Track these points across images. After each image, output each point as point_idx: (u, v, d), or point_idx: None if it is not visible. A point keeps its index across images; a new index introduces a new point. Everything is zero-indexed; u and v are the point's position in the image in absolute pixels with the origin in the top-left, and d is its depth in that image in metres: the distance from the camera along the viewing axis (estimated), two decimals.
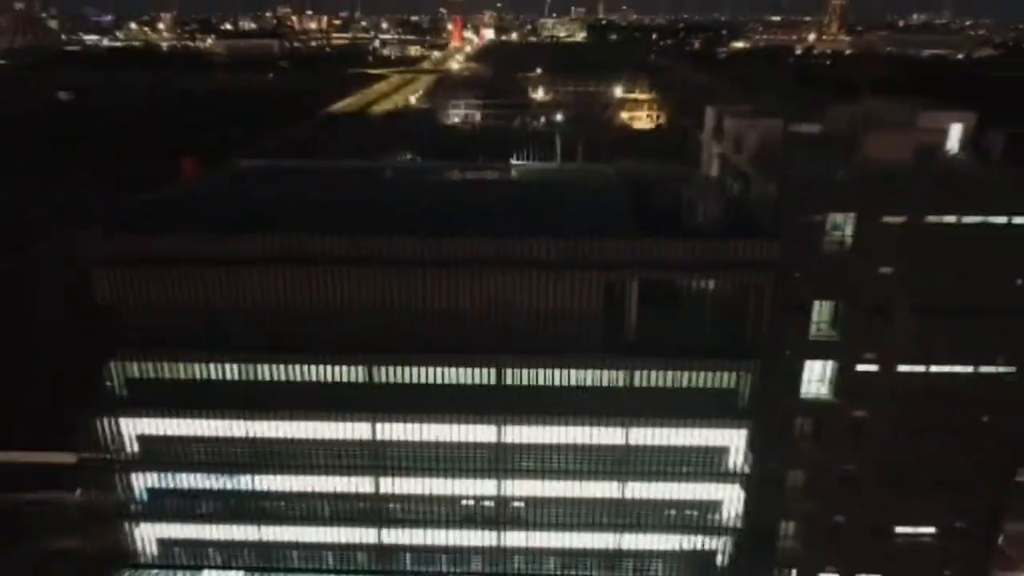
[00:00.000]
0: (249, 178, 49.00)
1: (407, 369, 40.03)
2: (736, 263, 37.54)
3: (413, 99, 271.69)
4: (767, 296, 38.29)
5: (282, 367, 40.06)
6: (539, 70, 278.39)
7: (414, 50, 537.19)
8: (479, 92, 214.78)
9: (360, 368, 40.01)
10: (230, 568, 44.04)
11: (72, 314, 39.37)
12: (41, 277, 39.06)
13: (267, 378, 40.39)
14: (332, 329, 38.94)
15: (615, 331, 39.17)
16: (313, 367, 40.04)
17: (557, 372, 39.86)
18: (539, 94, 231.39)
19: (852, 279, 38.75)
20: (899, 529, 44.27)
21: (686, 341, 39.13)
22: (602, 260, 37.36)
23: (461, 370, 39.83)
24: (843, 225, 38.73)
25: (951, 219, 37.78)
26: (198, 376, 40.46)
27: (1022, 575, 46.33)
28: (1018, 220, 37.45)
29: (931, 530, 44.20)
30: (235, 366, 40.15)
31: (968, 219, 37.75)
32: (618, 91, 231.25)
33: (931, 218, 37.80)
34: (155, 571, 43.88)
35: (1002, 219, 37.59)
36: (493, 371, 39.83)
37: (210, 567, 44.11)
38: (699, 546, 43.66)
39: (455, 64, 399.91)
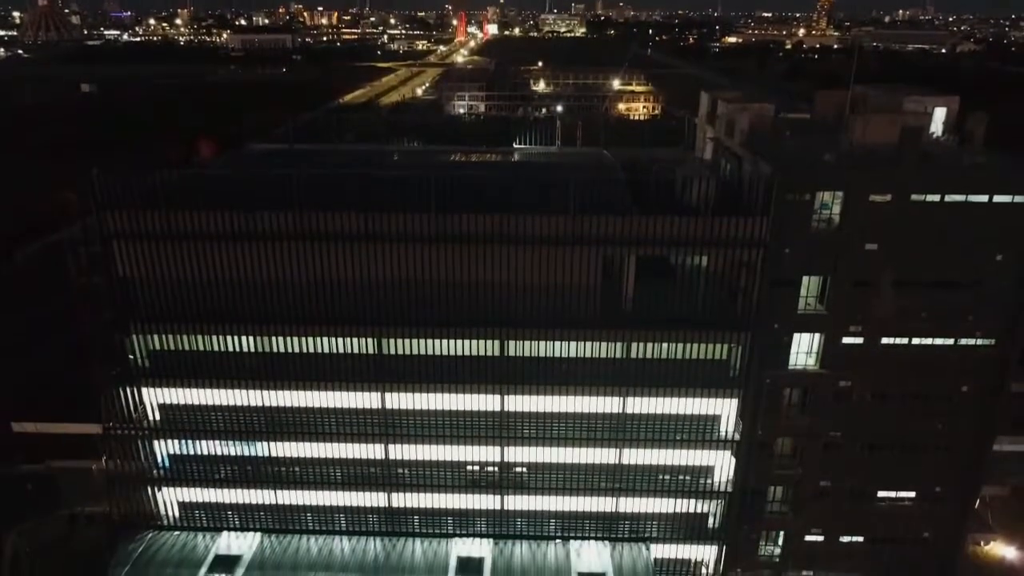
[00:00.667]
0: (262, 159, 48.72)
1: (414, 341, 39.93)
2: (728, 240, 37.34)
3: (420, 91, 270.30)
4: (757, 271, 38.13)
5: (296, 339, 39.96)
6: (540, 63, 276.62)
7: (421, 44, 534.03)
8: (483, 84, 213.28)
9: (370, 340, 39.93)
10: (247, 530, 44.18)
11: (96, 289, 39.18)
12: (68, 253, 38.82)
13: (282, 350, 40.32)
14: (343, 302, 38.84)
15: (612, 304, 39.05)
16: (325, 339, 39.94)
17: (557, 343, 39.74)
18: (540, 86, 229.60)
19: (839, 255, 38.57)
20: (881, 493, 44.34)
21: (680, 314, 39.00)
22: (600, 236, 37.15)
23: (465, 342, 39.73)
24: (831, 204, 38.53)
25: (935, 198, 37.53)
26: (216, 348, 40.39)
27: (996, 536, 46.36)
28: (999, 198, 37.20)
29: (911, 494, 44.28)
30: (251, 338, 40.08)
31: (951, 197, 37.50)
32: (616, 83, 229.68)
33: (916, 197, 37.56)
34: (176, 532, 44.03)
35: (983, 197, 37.34)
36: (496, 343, 39.74)
37: (228, 528, 44.24)
38: (692, 509, 43.76)
39: (460, 58, 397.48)
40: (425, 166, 46.86)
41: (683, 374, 39.90)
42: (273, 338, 40.07)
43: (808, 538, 45.30)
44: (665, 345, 39.63)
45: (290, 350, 40.30)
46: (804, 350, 41.27)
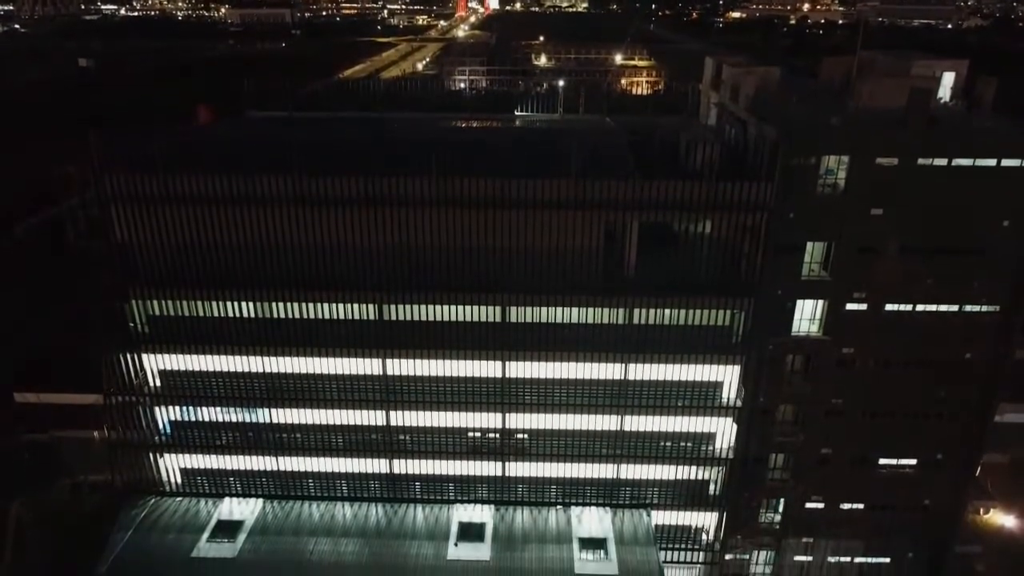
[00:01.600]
0: (261, 125, 48.16)
1: (415, 306, 39.69)
2: (732, 204, 36.92)
3: (420, 66, 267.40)
4: (761, 236, 37.74)
5: (296, 304, 39.73)
6: (541, 38, 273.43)
7: (421, 20, 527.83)
8: (484, 58, 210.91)
9: (370, 305, 39.68)
10: (249, 496, 44.27)
11: (95, 254, 38.85)
12: (67, 219, 38.55)
13: (282, 315, 40.11)
14: (343, 267, 38.54)
15: (615, 269, 38.74)
16: (326, 304, 39.70)
17: (559, 309, 39.49)
18: (542, 60, 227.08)
19: (844, 220, 38.17)
20: (882, 460, 44.33)
21: (683, 279, 38.69)
22: (602, 200, 36.73)
23: (467, 307, 39.48)
24: (836, 169, 38.08)
25: (942, 162, 37.04)
26: (216, 313, 40.17)
27: (996, 504, 46.42)
28: (1007, 162, 36.70)
29: (912, 462, 44.26)
30: (251, 303, 39.84)
31: (959, 162, 37.01)
32: (618, 58, 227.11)
33: (923, 161, 37.08)
34: (179, 498, 44.14)
35: (991, 161, 36.85)
36: (497, 308, 39.48)
37: (230, 495, 44.34)
38: (693, 476, 43.78)
39: (460, 32, 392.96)
40: (426, 132, 46.30)
41: (685, 340, 39.67)
42: (273, 303, 39.84)
43: (808, 505, 45.39)
44: (667, 311, 39.36)
45: (290, 315, 40.09)
46: (807, 317, 41.01)
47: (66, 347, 54.35)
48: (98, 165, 36.97)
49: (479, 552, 40.16)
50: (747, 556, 47.26)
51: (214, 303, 39.95)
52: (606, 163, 37.99)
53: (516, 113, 54.77)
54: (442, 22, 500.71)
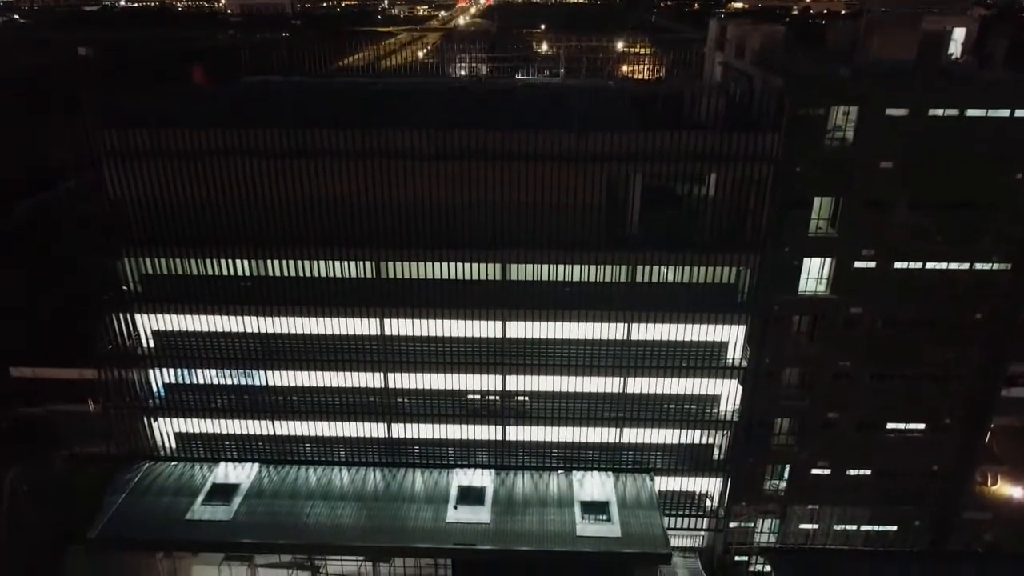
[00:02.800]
0: (256, 86, 47.17)
1: (414, 264, 38.82)
2: (737, 155, 35.96)
3: (420, 55, 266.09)
4: (767, 191, 36.80)
5: (292, 262, 38.86)
6: (543, 27, 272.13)
7: (422, 10, 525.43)
8: (484, 47, 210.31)
9: (368, 263, 38.80)
10: (245, 461, 43.47)
11: (87, 210, 37.99)
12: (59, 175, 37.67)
13: (278, 273, 39.25)
14: (340, 223, 37.65)
15: (617, 225, 37.84)
16: (322, 262, 38.82)
17: (560, 267, 38.61)
18: (543, 48, 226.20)
19: (852, 174, 37.24)
20: (890, 425, 43.47)
21: (687, 236, 37.79)
22: (605, 152, 35.81)
23: (466, 265, 38.60)
24: (844, 125, 37.18)
25: (954, 112, 36.08)
26: (211, 271, 39.32)
27: (1005, 468, 45.52)
28: (1021, 113, 35.73)
29: (920, 426, 43.40)
30: (246, 261, 38.97)
31: (971, 112, 36.05)
32: (619, 46, 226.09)
33: (934, 111, 36.12)
34: (173, 463, 43.36)
35: (1004, 112, 35.89)
36: (498, 266, 38.60)
37: (226, 460, 43.54)
38: (697, 440, 42.96)
39: (462, 21, 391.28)
40: (425, 90, 45.30)
41: (689, 299, 38.76)
42: (268, 261, 38.98)
43: (814, 471, 44.55)
44: (671, 268, 38.49)
45: (286, 273, 39.24)
46: (814, 275, 40.12)
47: (62, 323, 53.67)
48: (90, 120, 36.05)
49: (479, 515, 39.38)
50: (751, 524, 46.44)
51: (208, 261, 39.10)
52: (608, 117, 37.00)
53: (518, 77, 53.82)
54: (443, 12, 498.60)
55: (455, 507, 39.85)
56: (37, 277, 74.95)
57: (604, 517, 39.22)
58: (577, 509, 39.88)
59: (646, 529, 38.70)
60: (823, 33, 50.19)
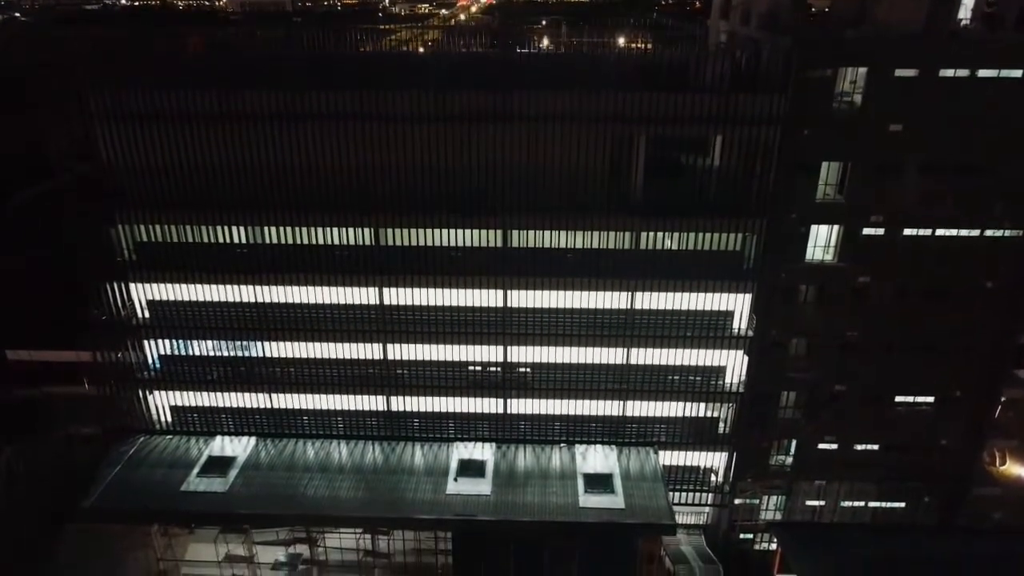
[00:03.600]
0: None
1: (413, 230, 38.05)
2: (744, 117, 35.17)
3: (422, 50, 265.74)
4: (774, 153, 36.01)
5: (289, 229, 38.13)
6: (544, 22, 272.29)
7: (423, 8, 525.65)
8: (486, 41, 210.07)
9: (366, 229, 38.04)
10: (242, 434, 42.71)
11: (79, 175, 37.20)
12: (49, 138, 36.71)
13: (274, 240, 38.52)
14: (338, 189, 36.90)
15: (621, 190, 37.05)
16: (320, 228, 38.08)
17: (563, 233, 37.83)
18: (544, 43, 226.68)
19: (860, 138, 36.44)
20: (898, 398, 42.65)
21: (692, 201, 37.01)
22: (608, 113, 35.04)
23: (467, 231, 37.85)
24: (852, 91, 36.42)
25: (965, 73, 35.28)
26: (206, 239, 38.59)
27: (1015, 442, 44.62)
28: None
29: (930, 399, 42.58)
30: (243, 228, 38.22)
31: (983, 73, 35.25)
32: (620, 41, 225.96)
33: (944, 72, 35.31)
34: (169, 437, 42.60)
35: (1016, 73, 35.09)
36: (499, 232, 37.84)
37: (222, 433, 42.77)
38: (701, 413, 42.17)
39: (463, 17, 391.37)
40: (423, 56, 44.47)
41: (694, 266, 37.98)
42: (265, 228, 38.23)
43: (821, 446, 43.73)
44: (676, 235, 37.69)
45: (283, 241, 38.50)
46: (821, 244, 39.33)
47: (59, 306, 53.17)
48: (81, 80, 35.32)
49: (479, 487, 38.61)
50: (757, 501, 45.63)
51: (204, 228, 38.36)
52: (612, 78, 36.16)
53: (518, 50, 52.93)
54: (443, 11, 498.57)
55: (455, 479, 39.06)
56: (35, 261, 74.41)
57: (607, 489, 38.39)
58: (580, 481, 39.10)
59: (650, 501, 37.91)
60: (831, 3, 49.36)
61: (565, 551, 37.25)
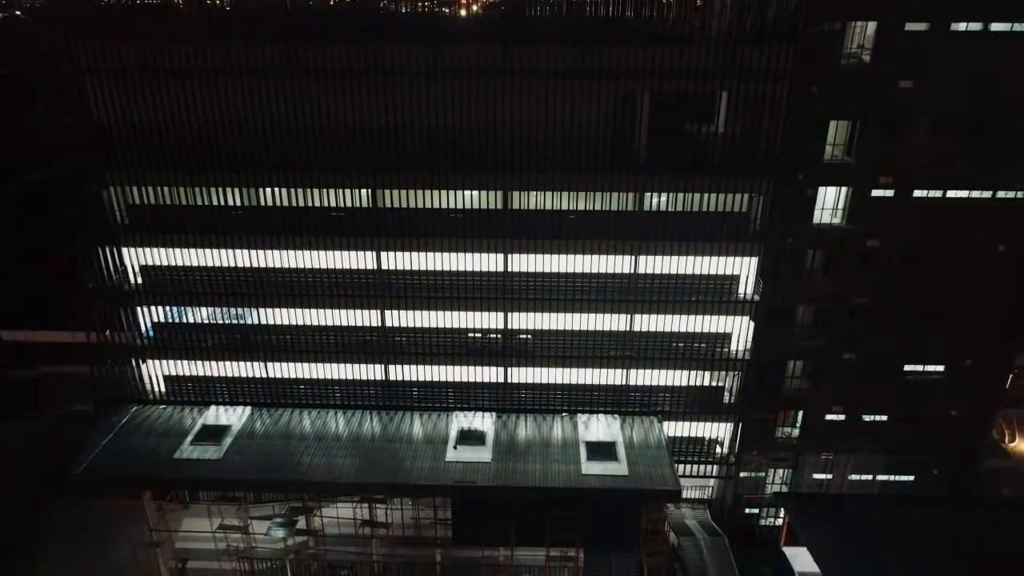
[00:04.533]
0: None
1: (412, 192, 37.14)
2: (750, 72, 34.20)
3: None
4: (781, 109, 35.05)
5: (285, 190, 37.22)
6: None
7: (422, 6, 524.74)
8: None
9: (364, 190, 37.15)
10: (237, 404, 41.76)
11: (69, 133, 36.31)
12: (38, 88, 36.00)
13: (270, 202, 37.61)
14: (335, 148, 35.97)
15: (625, 148, 36.14)
16: (316, 190, 37.18)
17: (565, 195, 36.93)
18: None
19: (870, 96, 35.56)
20: (908, 367, 41.76)
21: (697, 160, 36.09)
22: (612, 68, 34.10)
23: (467, 192, 36.95)
24: (860, 50, 35.56)
25: (977, 26, 34.40)
26: (200, 201, 37.70)
27: None
28: None
29: (940, 368, 41.68)
30: (238, 189, 37.31)
31: (995, 27, 34.37)
32: None
33: (956, 26, 34.43)
34: (162, 407, 41.66)
35: None
36: (499, 194, 36.93)
37: (217, 403, 41.82)
38: (706, 382, 41.26)
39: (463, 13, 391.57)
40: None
41: (700, 228, 37.05)
42: (261, 189, 37.32)
43: (829, 417, 42.84)
44: (680, 195, 36.77)
45: (279, 203, 37.58)
46: (829, 206, 38.57)
47: (56, 290, 52.72)
48: (70, 32, 34.37)
49: (480, 454, 37.66)
50: (763, 474, 44.74)
51: (198, 189, 37.47)
52: (615, 32, 35.24)
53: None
54: (445, 9, 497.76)
55: (455, 447, 38.12)
56: (30, 244, 73.72)
57: (610, 457, 37.45)
58: (582, 449, 38.14)
59: (654, 469, 36.94)
60: None
61: (567, 519, 36.29)
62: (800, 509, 38.95)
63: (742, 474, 44.30)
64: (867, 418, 42.86)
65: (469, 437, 38.98)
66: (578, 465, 37.05)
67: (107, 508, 43.86)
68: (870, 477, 44.42)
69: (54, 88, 35.69)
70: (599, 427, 40.18)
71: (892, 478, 44.44)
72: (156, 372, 41.93)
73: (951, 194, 37.52)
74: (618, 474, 36.46)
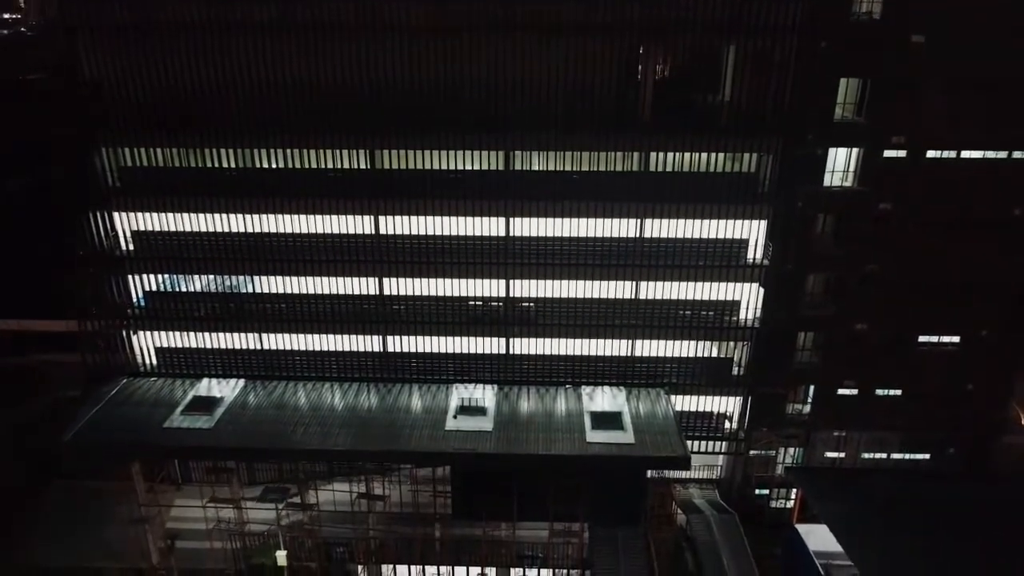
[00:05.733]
0: None
1: (411, 152, 36.19)
2: (758, 27, 33.33)
3: None
4: (790, 69, 34.14)
5: (280, 151, 36.28)
6: None
7: None
8: None
9: (361, 152, 36.19)
10: (230, 376, 40.51)
11: (58, 92, 35.43)
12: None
13: (265, 164, 36.67)
14: (331, 107, 35.06)
15: (629, 106, 35.18)
16: (312, 151, 36.25)
17: (568, 155, 35.97)
18: None
19: (881, 51, 34.62)
20: (922, 339, 40.46)
21: (703, 118, 35.16)
22: (615, 23, 33.23)
23: (467, 153, 35.99)
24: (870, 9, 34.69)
25: None
26: (194, 163, 36.77)
27: None
28: None
29: (955, 339, 40.37)
30: (233, 150, 36.36)
31: None
32: None
33: None
34: (153, 379, 40.44)
35: None
36: (501, 154, 35.97)
37: (210, 376, 40.58)
38: (715, 353, 40.02)
39: None
40: None
41: (707, 189, 36.03)
42: (255, 150, 36.37)
43: (841, 391, 41.46)
44: (687, 155, 35.78)
45: (274, 165, 36.64)
46: (840, 168, 37.45)
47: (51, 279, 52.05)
48: None
49: (481, 424, 36.34)
50: (773, 452, 43.27)
51: (191, 151, 36.55)
52: None
53: None
54: None
55: (454, 417, 36.81)
56: (26, 236, 73.09)
57: (616, 426, 36.12)
58: (587, 419, 36.81)
59: (661, 437, 35.62)
60: None
61: (570, 491, 34.92)
62: (814, 484, 37.53)
63: (752, 452, 42.85)
64: (880, 392, 41.43)
65: (470, 407, 37.68)
66: (582, 433, 35.73)
67: (99, 491, 42.68)
68: (884, 456, 42.95)
69: (44, 47, 34.82)
70: (604, 398, 38.91)
71: (907, 457, 42.97)
72: (148, 343, 40.77)
73: (965, 155, 36.44)
74: (624, 442, 35.11)
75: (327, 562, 38.32)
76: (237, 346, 40.42)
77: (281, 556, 35.59)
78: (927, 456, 43.02)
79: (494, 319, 39.09)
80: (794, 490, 42.96)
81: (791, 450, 43.24)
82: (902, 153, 36.41)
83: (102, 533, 40.07)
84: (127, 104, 35.45)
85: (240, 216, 37.51)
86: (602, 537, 36.32)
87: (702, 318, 38.81)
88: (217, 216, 37.53)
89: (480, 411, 37.41)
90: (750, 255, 37.51)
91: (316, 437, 35.67)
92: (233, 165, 36.69)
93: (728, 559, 37.06)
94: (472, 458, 34.57)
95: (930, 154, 36.45)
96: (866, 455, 43.02)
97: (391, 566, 38.79)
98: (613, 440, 35.16)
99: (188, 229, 37.97)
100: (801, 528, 37.60)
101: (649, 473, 39.83)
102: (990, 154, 36.42)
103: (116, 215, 37.99)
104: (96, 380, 40.21)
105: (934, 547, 31.97)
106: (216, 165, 36.64)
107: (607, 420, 36.64)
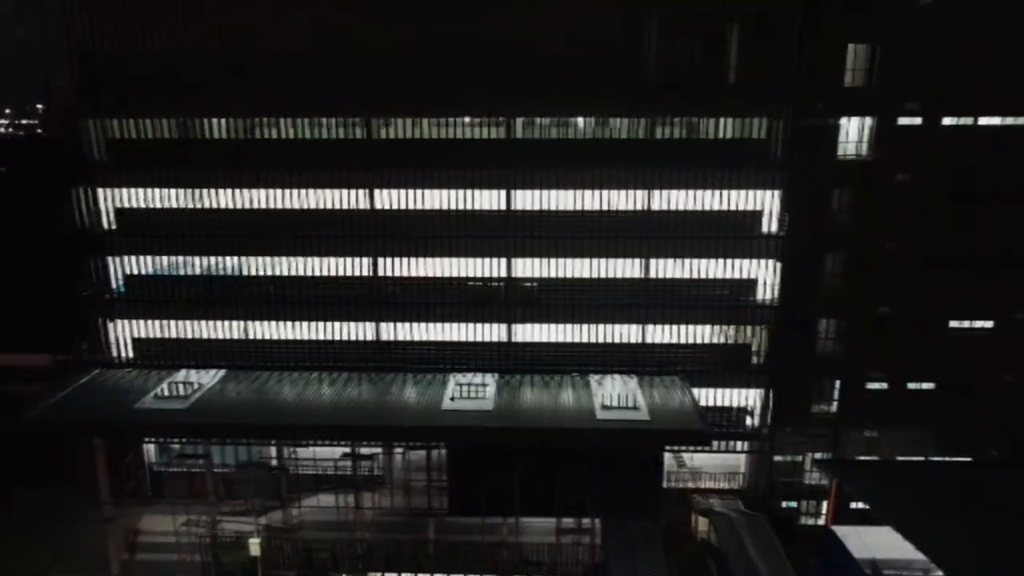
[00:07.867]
0: None
1: (407, 121, 35.05)
2: None
3: None
4: (796, 31, 33.46)
5: (271, 119, 35.17)
6: None
7: None
8: None
9: (356, 120, 35.04)
10: (211, 367, 37.74)
11: (49, 61, 34.70)
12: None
13: (257, 136, 35.48)
14: (325, 72, 34.17)
15: (634, 70, 34.27)
16: (306, 119, 35.15)
17: (571, 123, 34.79)
18: None
19: (892, 13, 34.03)
20: (953, 324, 37.91)
21: (711, 81, 34.17)
22: None
23: (467, 121, 34.84)
24: None
25: None
26: (182, 133, 35.61)
27: None
28: None
29: (989, 324, 37.82)
30: (221, 120, 35.26)
31: None
32: None
33: None
34: (128, 369, 37.70)
35: None
36: (500, 121, 34.79)
37: (189, 366, 37.80)
38: (731, 339, 37.44)
39: None
40: None
41: (717, 155, 34.59)
42: (245, 119, 35.26)
43: (869, 385, 38.50)
44: (695, 121, 34.59)
45: (265, 135, 35.45)
46: (853, 139, 36.15)
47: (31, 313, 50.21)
48: None
49: (480, 404, 33.37)
50: (800, 458, 39.79)
51: (182, 120, 35.48)
52: None
53: None
54: None
55: (452, 399, 33.89)
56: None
57: (629, 407, 33.12)
58: (596, 401, 33.83)
59: (678, 415, 32.60)
60: None
61: (579, 478, 31.60)
62: (850, 473, 34.06)
63: (776, 458, 39.40)
64: (911, 386, 38.46)
65: (469, 388, 34.71)
66: (591, 413, 32.72)
67: (61, 498, 39.16)
68: (920, 459, 39.42)
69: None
70: (615, 384, 35.97)
71: (944, 460, 39.43)
72: (124, 334, 38.26)
73: (983, 121, 35.21)
74: (637, 419, 32.06)
75: (307, 570, 34.33)
76: (220, 335, 37.92)
77: (254, 545, 31.66)
78: (969, 459, 39.47)
79: (495, 300, 36.72)
80: (824, 501, 39.26)
81: (819, 456, 39.75)
82: (917, 120, 35.20)
83: (62, 541, 36.36)
84: (115, 70, 34.52)
85: (228, 191, 35.93)
86: (616, 539, 32.54)
87: (717, 297, 36.47)
88: (205, 192, 35.98)
89: (480, 392, 34.46)
90: (764, 226, 35.62)
91: (302, 414, 32.67)
92: (223, 136, 35.48)
93: (757, 560, 33.06)
94: (470, 434, 31.42)
95: (946, 121, 35.22)
96: (900, 459, 39.47)
97: (379, 574, 34.71)
98: (626, 418, 32.11)
99: (175, 205, 36.39)
100: (839, 530, 34.00)
101: (665, 476, 36.53)
102: (1009, 120, 35.16)
103: (100, 192, 36.42)
104: (64, 372, 37.50)
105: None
106: (204, 137, 35.50)
107: (619, 402, 33.62)
